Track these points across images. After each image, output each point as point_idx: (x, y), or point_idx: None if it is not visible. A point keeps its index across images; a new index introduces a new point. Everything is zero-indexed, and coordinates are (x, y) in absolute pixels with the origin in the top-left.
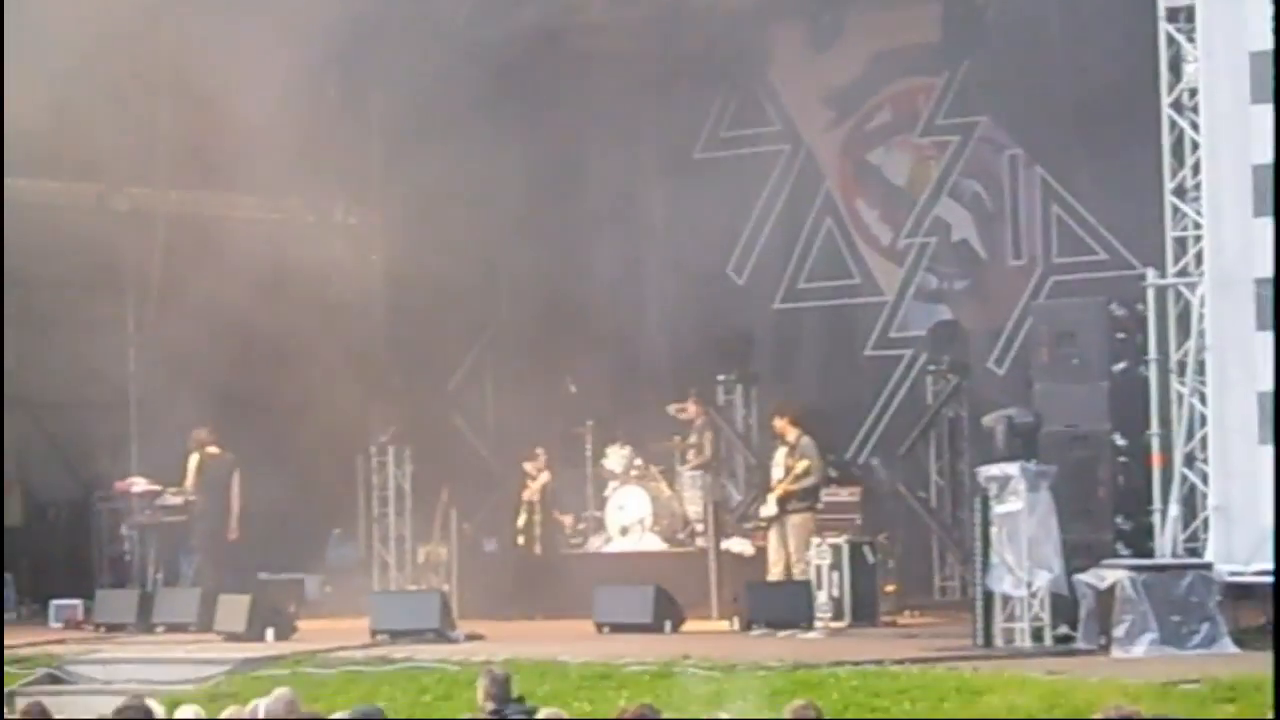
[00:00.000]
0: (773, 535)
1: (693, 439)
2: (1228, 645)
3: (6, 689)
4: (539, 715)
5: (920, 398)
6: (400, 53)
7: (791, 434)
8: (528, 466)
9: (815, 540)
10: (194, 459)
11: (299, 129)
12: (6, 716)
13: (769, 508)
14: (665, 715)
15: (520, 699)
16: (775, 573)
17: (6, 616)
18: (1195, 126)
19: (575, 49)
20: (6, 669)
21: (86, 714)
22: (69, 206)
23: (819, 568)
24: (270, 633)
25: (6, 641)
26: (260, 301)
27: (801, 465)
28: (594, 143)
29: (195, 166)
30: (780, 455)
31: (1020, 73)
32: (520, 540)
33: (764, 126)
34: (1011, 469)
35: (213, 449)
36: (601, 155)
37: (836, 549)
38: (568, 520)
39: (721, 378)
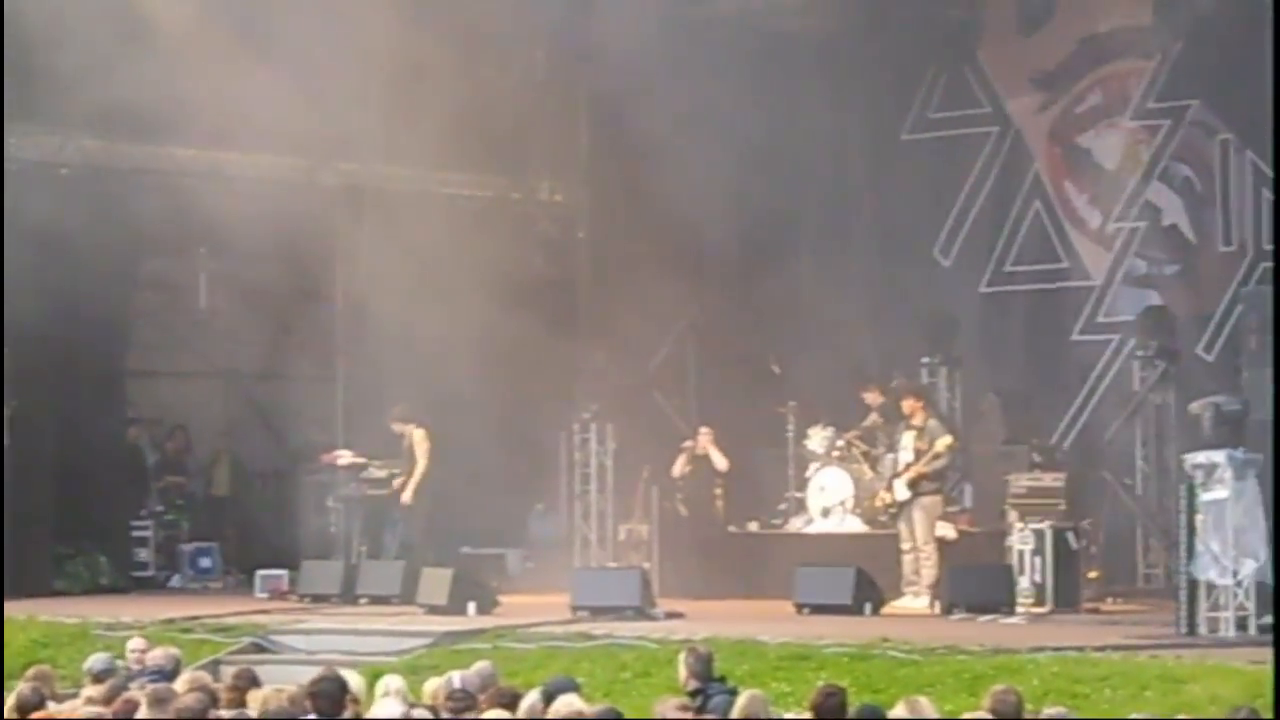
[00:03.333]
0: (902, 520)
1: (871, 420)
2: None
3: (214, 656)
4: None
5: (1127, 383)
6: (607, 30)
7: (919, 416)
8: (686, 444)
9: (1019, 525)
10: (422, 433)
11: (507, 106)
12: (214, 684)
13: (900, 491)
14: (863, 697)
15: (721, 678)
16: (907, 560)
17: (213, 585)
18: None
19: (782, 28)
20: (213, 636)
21: (290, 683)
22: (279, 180)
23: (1021, 552)
24: (472, 606)
25: (214, 610)
26: (466, 277)
27: (939, 445)
28: (801, 124)
29: (403, 142)
30: (909, 438)
31: (1232, 56)
32: (682, 510)
33: (972, 108)
34: (1218, 456)
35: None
36: (809, 136)
37: (1039, 534)
38: (720, 459)
39: (926, 360)
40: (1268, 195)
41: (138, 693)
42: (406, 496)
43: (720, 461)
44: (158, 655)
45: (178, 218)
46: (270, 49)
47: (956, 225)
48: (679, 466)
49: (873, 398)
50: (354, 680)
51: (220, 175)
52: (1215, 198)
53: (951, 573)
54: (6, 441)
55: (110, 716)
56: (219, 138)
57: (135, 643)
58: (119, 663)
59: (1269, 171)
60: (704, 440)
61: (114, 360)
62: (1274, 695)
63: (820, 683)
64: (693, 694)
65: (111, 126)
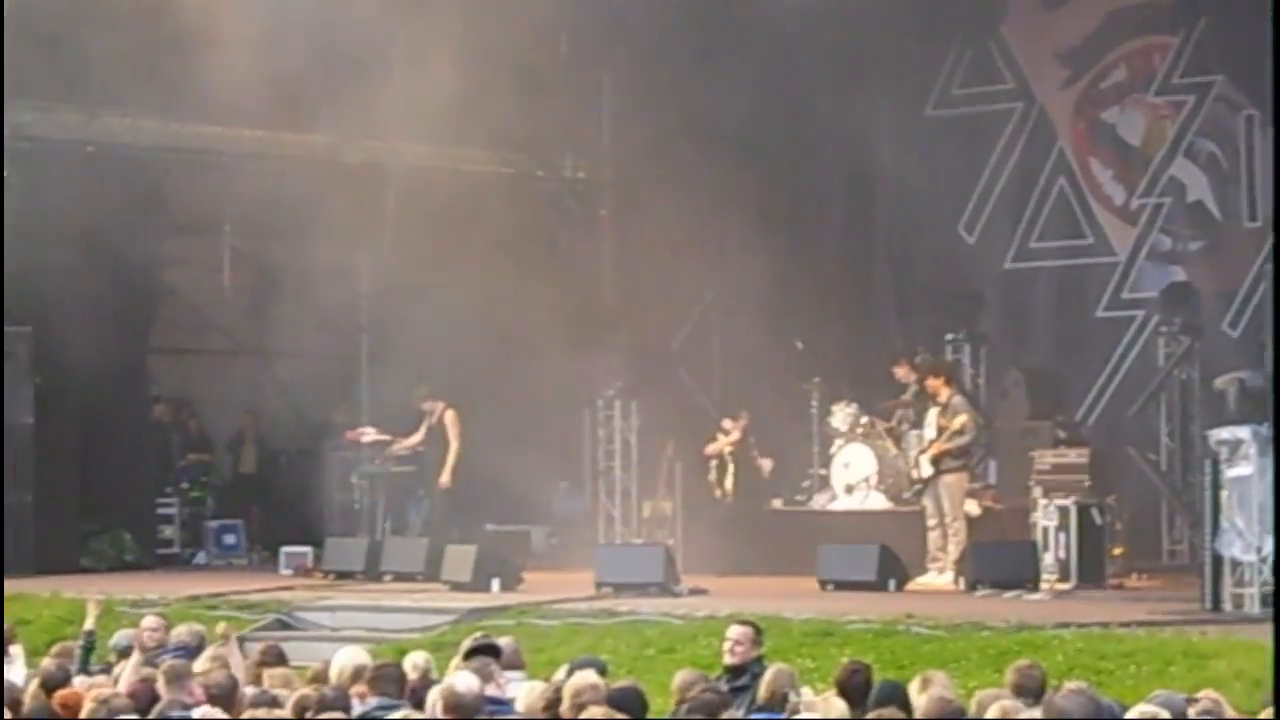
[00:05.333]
0: (927, 497)
1: (906, 397)
2: None
3: (239, 633)
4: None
5: (1152, 359)
6: (630, 6)
7: (944, 393)
8: (725, 423)
9: (1043, 501)
10: (453, 413)
11: (531, 84)
12: (240, 660)
13: (924, 468)
14: (887, 673)
15: (759, 657)
16: (933, 537)
17: (238, 562)
18: None
19: (807, 5)
20: (238, 614)
21: (314, 660)
22: (302, 159)
23: (1046, 529)
24: (496, 583)
25: (238, 587)
26: (489, 255)
27: (958, 421)
28: (825, 99)
29: (426, 120)
30: (933, 415)
31: (1256, 31)
32: (717, 493)
33: (997, 84)
34: (1243, 432)
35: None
36: (833, 112)
37: (1064, 510)
38: (765, 464)
39: (950, 336)
40: None
41: (151, 670)
42: (445, 479)
43: (765, 467)
44: (182, 632)
45: (202, 195)
46: (293, 26)
47: (981, 202)
48: (714, 447)
49: (904, 373)
50: (421, 658)
51: (244, 153)
52: (1240, 174)
53: (976, 549)
54: (33, 419)
55: (125, 695)
56: (243, 115)
57: (149, 620)
58: None
59: None
60: (738, 429)
61: (139, 338)
62: (1274, 695)
63: (844, 659)
64: (734, 671)
65: (136, 104)
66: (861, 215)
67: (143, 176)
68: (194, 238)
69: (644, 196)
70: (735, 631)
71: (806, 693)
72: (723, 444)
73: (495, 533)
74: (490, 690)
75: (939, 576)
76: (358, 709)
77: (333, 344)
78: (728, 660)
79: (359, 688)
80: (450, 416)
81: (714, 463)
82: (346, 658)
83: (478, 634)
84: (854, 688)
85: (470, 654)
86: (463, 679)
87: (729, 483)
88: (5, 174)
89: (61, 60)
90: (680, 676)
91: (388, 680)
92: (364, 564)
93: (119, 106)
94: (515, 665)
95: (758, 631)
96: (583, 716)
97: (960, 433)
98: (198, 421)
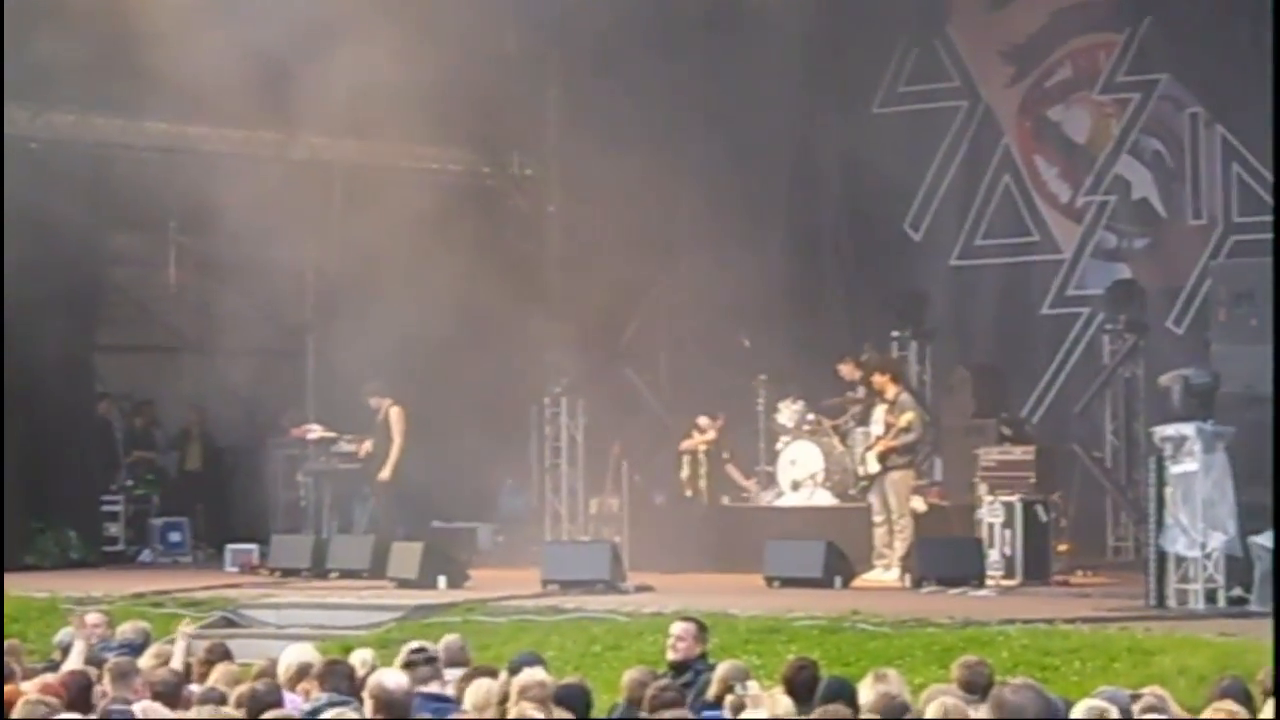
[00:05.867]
0: (874, 493)
1: (854, 394)
2: None
3: (184, 629)
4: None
5: (1097, 357)
6: (578, 4)
7: (891, 390)
8: (702, 420)
9: (988, 498)
10: (399, 411)
11: (478, 81)
12: (188, 659)
13: (870, 465)
14: (834, 670)
15: (703, 654)
16: (879, 533)
17: (183, 560)
18: None
19: (752, 2)
20: (183, 611)
21: (260, 657)
22: (248, 155)
23: (991, 525)
24: (442, 580)
25: (184, 584)
26: (436, 252)
27: (904, 419)
28: (773, 97)
29: (374, 116)
30: (879, 412)
31: (1201, 29)
32: (688, 492)
33: (942, 82)
34: (1188, 429)
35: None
36: (780, 109)
37: (1009, 507)
38: (751, 485)
39: (896, 334)
40: (1237, 169)
41: (91, 668)
42: (385, 474)
43: (752, 489)
44: (127, 629)
45: (148, 192)
46: (239, 22)
47: (927, 199)
48: (689, 443)
49: (849, 370)
50: (368, 654)
51: (190, 149)
52: (1185, 171)
53: (921, 545)
54: None
55: (59, 686)
56: (188, 112)
57: (92, 617)
58: None
59: (1239, 145)
60: (715, 429)
61: (84, 335)
62: (1275, 663)
63: (791, 656)
64: (677, 668)
65: (81, 100)
66: (808, 213)
67: (88, 173)
68: (139, 234)
69: (591, 194)
70: (678, 628)
71: (752, 685)
72: (698, 441)
73: (441, 530)
74: (433, 688)
75: (885, 573)
76: (305, 706)
77: (279, 340)
78: (670, 657)
79: (306, 684)
80: (395, 413)
81: (686, 459)
82: (293, 655)
83: (412, 644)
84: (800, 684)
85: (408, 666)
86: (392, 675)
87: (702, 483)
88: None
89: (6, 57)
90: (629, 674)
91: (338, 676)
92: (310, 561)
93: (64, 103)
94: (461, 663)
95: (700, 628)
96: (520, 715)
97: (907, 430)
98: (144, 418)
